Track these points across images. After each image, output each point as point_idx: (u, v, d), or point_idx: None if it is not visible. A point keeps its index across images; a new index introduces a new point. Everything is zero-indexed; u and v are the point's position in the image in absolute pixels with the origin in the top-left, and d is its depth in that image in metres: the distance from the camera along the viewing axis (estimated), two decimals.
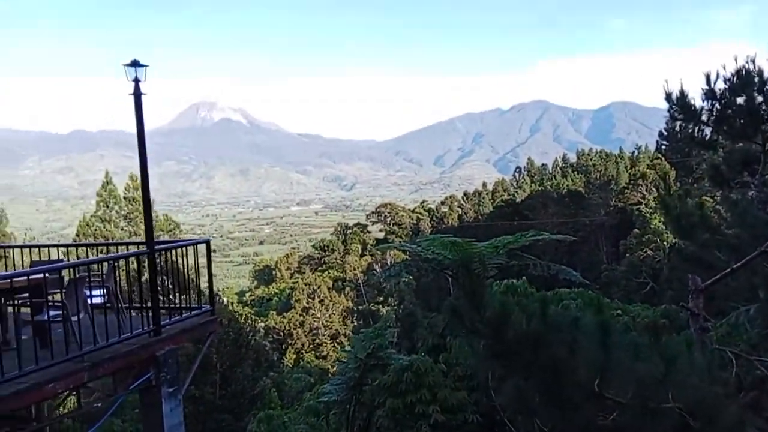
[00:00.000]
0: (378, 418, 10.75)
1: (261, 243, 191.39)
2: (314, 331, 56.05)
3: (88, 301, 7.47)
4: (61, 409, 10.62)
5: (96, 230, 34.46)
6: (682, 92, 8.72)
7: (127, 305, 8.27)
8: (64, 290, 6.69)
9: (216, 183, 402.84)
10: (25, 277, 6.87)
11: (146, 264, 7.52)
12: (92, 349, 6.66)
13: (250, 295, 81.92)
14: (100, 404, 7.43)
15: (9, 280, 6.64)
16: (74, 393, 7.78)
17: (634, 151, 71.45)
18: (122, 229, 35.25)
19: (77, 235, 35.29)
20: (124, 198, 36.45)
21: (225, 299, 67.33)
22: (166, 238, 35.01)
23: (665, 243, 39.48)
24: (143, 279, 7.74)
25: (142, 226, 36.08)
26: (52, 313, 6.98)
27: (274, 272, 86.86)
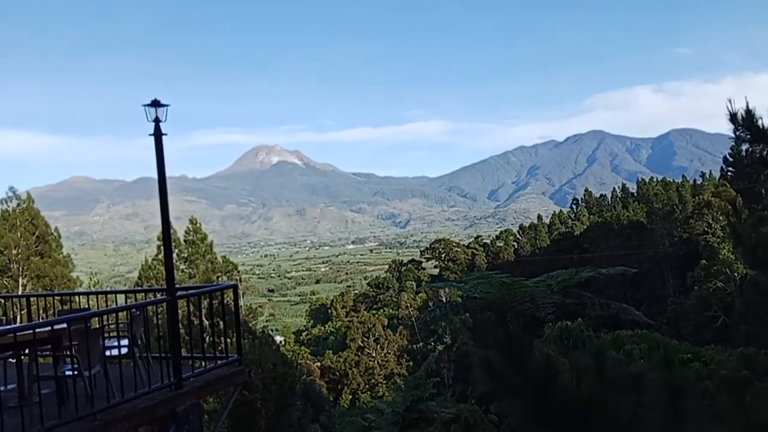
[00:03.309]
0: None
1: (317, 282, 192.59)
2: (369, 371, 55.09)
3: (107, 353, 7.08)
4: None
5: (158, 273, 34.89)
6: (748, 111, 7.83)
7: (155, 356, 7.86)
8: (75, 343, 6.28)
9: (274, 224, 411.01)
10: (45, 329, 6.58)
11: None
12: (105, 407, 6.20)
13: (307, 334, 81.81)
14: None
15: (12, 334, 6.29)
16: None
17: (695, 179, 68.50)
18: (182, 272, 35.70)
19: (139, 279, 35.98)
20: (184, 241, 37.03)
21: (282, 339, 67.57)
22: (224, 279, 35.21)
23: (736, 274, 37.15)
24: (164, 328, 7.27)
25: (202, 267, 36.59)
26: (68, 367, 6.61)
27: (329, 311, 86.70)
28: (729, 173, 49.11)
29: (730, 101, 8.26)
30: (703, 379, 7.32)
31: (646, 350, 9.19)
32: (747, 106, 8.12)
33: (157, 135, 7.30)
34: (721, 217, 40.56)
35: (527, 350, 3.95)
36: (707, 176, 66.36)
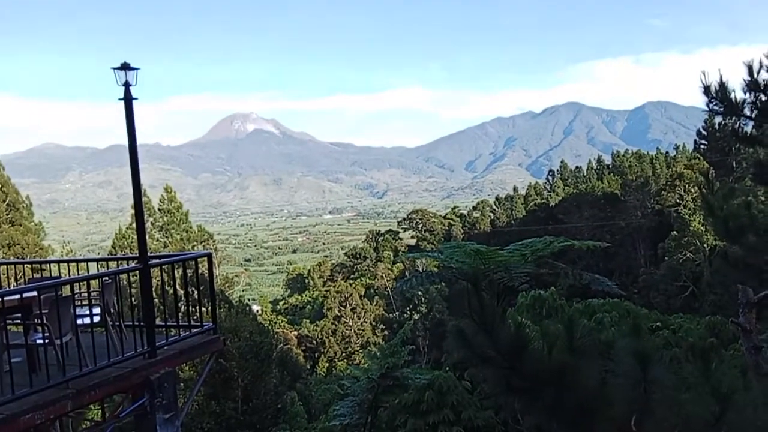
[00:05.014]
0: None
1: (294, 251, 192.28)
2: (346, 340, 55.54)
3: (80, 321, 6.99)
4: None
5: (132, 242, 34.58)
6: (721, 83, 7.88)
7: (128, 324, 7.79)
8: (45, 311, 6.19)
9: (250, 193, 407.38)
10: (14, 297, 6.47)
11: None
12: (77, 375, 6.14)
13: (284, 304, 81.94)
14: None
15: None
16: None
17: (667, 151, 69.32)
18: (157, 240, 35.40)
19: (113, 247, 35.60)
20: (159, 210, 36.70)
21: (259, 308, 67.60)
22: (200, 249, 34.97)
23: (705, 245, 37.95)
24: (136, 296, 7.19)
25: (177, 237, 36.27)
26: (39, 335, 6.51)
27: (306, 280, 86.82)
28: (702, 146, 49.76)
29: (704, 74, 8.25)
30: (671, 346, 7.52)
31: (616, 318, 9.37)
32: (721, 79, 8.13)
33: (127, 99, 7.11)
34: (692, 189, 41.22)
35: (500, 320, 3.98)
36: (681, 149, 67.19)
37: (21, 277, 10.89)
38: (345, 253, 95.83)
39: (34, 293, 6.50)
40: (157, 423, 6.77)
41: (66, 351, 6.36)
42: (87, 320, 7.29)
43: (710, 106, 8.00)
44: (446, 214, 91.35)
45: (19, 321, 6.95)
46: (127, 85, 7.06)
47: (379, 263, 74.06)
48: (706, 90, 7.95)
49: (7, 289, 8.79)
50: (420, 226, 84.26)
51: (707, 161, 43.50)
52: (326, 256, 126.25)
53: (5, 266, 11.16)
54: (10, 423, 5.43)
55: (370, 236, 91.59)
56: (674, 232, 40.67)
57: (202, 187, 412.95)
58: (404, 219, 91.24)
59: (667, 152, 68.22)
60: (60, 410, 5.94)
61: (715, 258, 33.13)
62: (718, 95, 7.88)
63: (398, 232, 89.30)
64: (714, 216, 7.41)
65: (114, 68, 7.01)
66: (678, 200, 43.57)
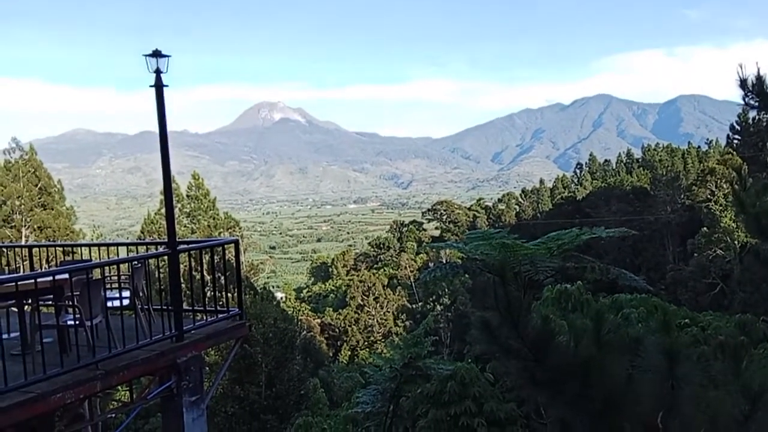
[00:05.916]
0: (419, 429, 10.09)
1: (319, 240, 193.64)
2: (369, 329, 55.78)
3: (110, 303, 7.14)
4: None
5: (160, 227, 35.21)
6: (759, 77, 7.67)
7: (156, 308, 7.92)
8: (76, 293, 6.32)
9: (276, 181, 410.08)
10: (47, 278, 6.62)
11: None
12: (106, 356, 6.27)
13: (308, 292, 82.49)
14: (114, 415, 7.06)
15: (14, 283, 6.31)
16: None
17: (699, 146, 67.95)
18: (185, 226, 35.93)
19: (142, 232, 36.25)
20: (187, 196, 37.21)
21: (283, 295, 68.21)
22: (226, 235, 35.39)
23: (736, 243, 37.20)
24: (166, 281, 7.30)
25: (204, 223, 36.74)
26: (70, 317, 6.66)
27: (330, 269, 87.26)
28: (735, 141, 48.69)
29: (741, 66, 8.03)
30: (700, 343, 7.41)
31: (644, 314, 9.26)
32: (758, 72, 7.91)
33: (158, 86, 7.18)
34: (724, 185, 40.36)
35: (525, 312, 3.95)
36: (713, 144, 65.83)
37: (52, 260, 11.14)
38: (369, 243, 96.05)
39: (66, 275, 6.65)
40: (183, 405, 6.90)
41: (96, 333, 6.51)
42: (116, 303, 7.45)
43: (746, 100, 7.80)
44: (471, 205, 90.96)
45: (50, 302, 7.12)
46: (158, 71, 7.13)
47: (402, 253, 74.10)
48: (743, 83, 7.74)
49: (39, 271, 9.00)
50: (444, 217, 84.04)
51: (740, 156, 42.53)
52: (350, 246, 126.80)
53: (37, 248, 11.42)
54: (41, 402, 5.58)
55: (394, 226, 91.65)
56: (704, 229, 39.93)
57: (228, 174, 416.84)
58: (429, 210, 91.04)
59: (699, 147, 66.86)
60: (89, 390, 6.08)
61: (746, 256, 32.46)
62: (755, 89, 7.68)
63: (422, 223, 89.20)
64: (746, 213, 7.24)
65: (146, 55, 7.09)
66: (709, 196, 42.69)
